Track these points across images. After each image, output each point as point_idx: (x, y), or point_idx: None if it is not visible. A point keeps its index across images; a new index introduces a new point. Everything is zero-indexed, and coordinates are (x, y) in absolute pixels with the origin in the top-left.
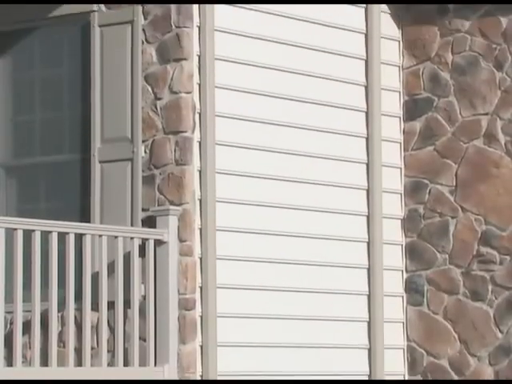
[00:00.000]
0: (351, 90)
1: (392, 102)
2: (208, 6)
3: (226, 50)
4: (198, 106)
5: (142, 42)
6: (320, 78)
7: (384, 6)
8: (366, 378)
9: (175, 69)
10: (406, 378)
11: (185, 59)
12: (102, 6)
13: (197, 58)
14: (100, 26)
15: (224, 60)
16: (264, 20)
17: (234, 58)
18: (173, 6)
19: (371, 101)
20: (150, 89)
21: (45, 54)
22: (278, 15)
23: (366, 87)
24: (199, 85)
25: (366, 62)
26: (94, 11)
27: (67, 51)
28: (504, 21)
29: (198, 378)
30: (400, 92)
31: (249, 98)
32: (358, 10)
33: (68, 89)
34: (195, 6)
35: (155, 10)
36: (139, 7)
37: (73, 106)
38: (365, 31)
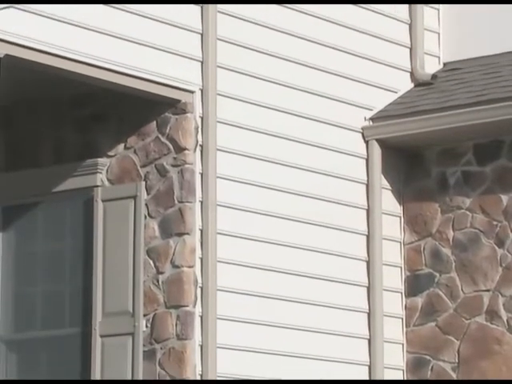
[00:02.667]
0: (353, 264)
1: (393, 278)
2: (211, 180)
3: (227, 224)
4: (199, 280)
5: (145, 217)
6: (322, 253)
7: (385, 182)
8: None
9: (177, 243)
10: None
11: (187, 234)
12: (106, 181)
13: (199, 232)
14: (103, 201)
15: (226, 235)
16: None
17: (236, 233)
18: (175, 182)
19: (373, 276)
20: (152, 263)
21: (48, 228)
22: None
23: (368, 262)
24: (201, 259)
25: (368, 237)
26: (97, 186)
27: (70, 225)
28: (504, 198)
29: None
30: (401, 267)
31: (251, 272)
32: (359, 186)
33: (70, 262)
34: (198, 182)
35: (158, 185)
36: (142, 183)
37: (74, 279)
38: (366, 207)
